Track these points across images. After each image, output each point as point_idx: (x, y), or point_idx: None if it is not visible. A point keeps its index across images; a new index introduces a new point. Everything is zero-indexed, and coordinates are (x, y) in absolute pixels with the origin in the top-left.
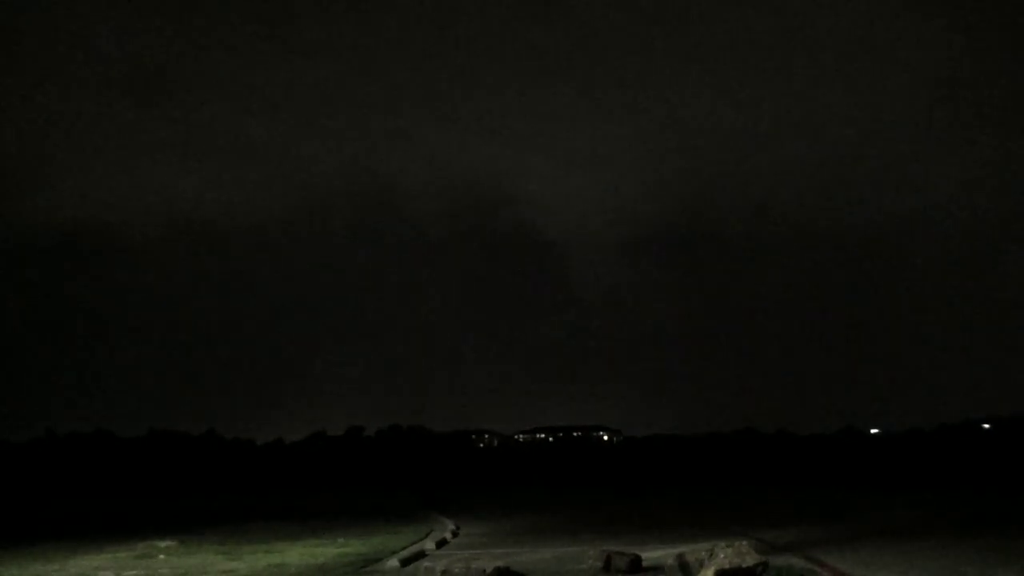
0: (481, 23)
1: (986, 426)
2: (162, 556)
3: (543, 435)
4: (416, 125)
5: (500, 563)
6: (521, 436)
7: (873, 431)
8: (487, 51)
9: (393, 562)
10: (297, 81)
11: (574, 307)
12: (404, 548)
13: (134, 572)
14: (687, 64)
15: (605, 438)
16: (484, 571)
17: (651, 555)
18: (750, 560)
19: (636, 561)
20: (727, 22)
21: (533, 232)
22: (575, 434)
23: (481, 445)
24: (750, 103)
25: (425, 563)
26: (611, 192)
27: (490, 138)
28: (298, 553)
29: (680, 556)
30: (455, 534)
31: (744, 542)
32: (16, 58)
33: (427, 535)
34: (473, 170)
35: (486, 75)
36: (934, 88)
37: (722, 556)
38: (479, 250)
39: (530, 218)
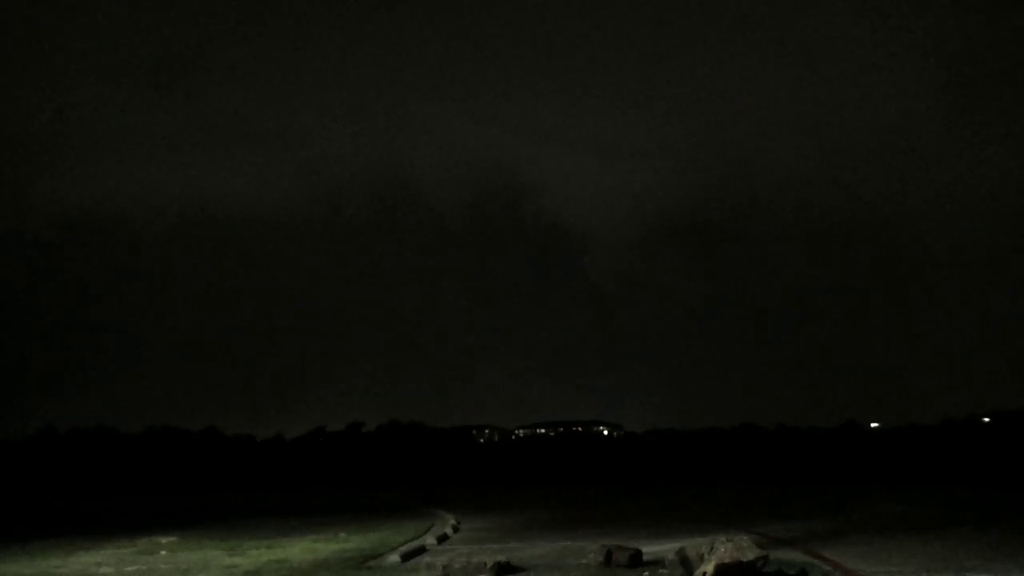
0: (501, 13)
1: (986, 420)
2: (164, 551)
3: (543, 430)
4: (435, 116)
5: (501, 558)
6: (521, 431)
7: (873, 425)
8: (507, 41)
9: (394, 557)
10: (314, 72)
11: (589, 301)
12: (405, 543)
13: (136, 567)
14: (710, 55)
15: (605, 433)
16: (485, 565)
17: (652, 549)
18: (750, 554)
19: (637, 555)
20: (751, 12)
21: (553, 223)
22: (575, 429)
23: (481, 440)
24: (770, 95)
25: (426, 558)
26: (632, 183)
27: (510, 128)
28: (299, 548)
29: (681, 550)
30: (456, 529)
31: (744, 536)
32: (31, 45)
33: (428, 530)
34: (493, 160)
35: (506, 65)
36: (952, 79)
37: (722, 550)
38: (497, 242)
39: (550, 208)
